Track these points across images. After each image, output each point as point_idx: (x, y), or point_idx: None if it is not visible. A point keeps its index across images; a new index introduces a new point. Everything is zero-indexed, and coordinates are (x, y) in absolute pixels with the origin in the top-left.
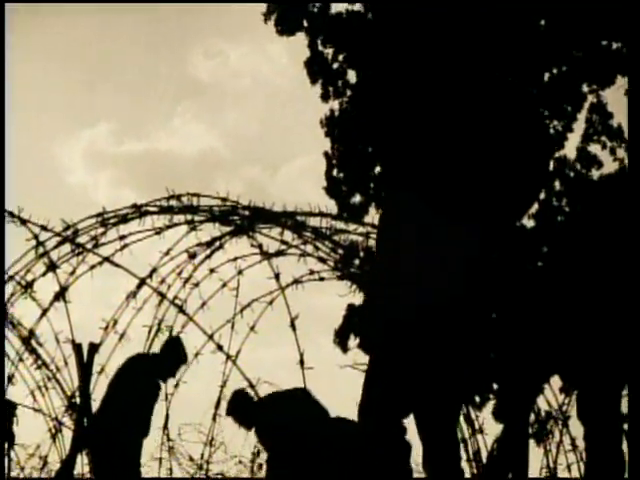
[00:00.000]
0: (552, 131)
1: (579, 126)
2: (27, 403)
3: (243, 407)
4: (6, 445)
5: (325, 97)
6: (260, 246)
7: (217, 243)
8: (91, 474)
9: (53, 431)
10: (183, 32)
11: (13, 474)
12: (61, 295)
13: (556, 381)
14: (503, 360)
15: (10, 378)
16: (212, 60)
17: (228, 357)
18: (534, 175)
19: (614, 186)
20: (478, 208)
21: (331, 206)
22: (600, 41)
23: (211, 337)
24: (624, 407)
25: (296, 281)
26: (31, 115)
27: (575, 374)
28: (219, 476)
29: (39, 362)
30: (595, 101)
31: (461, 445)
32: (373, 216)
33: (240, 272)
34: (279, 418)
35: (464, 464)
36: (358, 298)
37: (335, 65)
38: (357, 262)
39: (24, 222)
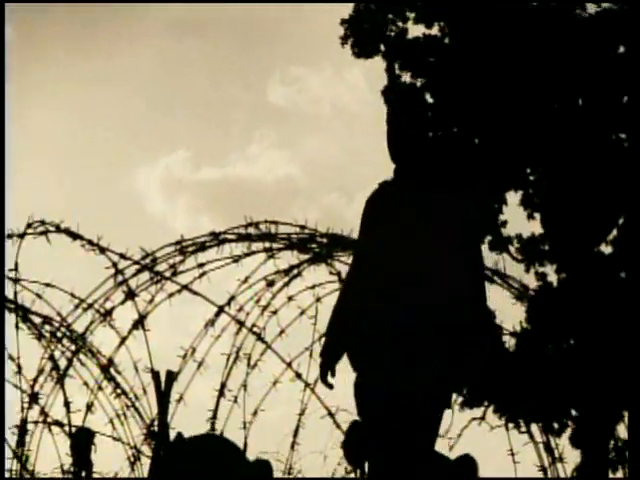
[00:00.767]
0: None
1: None
2: (106, 431)
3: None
4: (84, 473)
5: None
6: (338, 273)
7: (295, 271)
8: None
9: (132, 459)
10: (261, 58)
11: None
12: (140, 323)
13: None
14: (582, 386)
15: (89, 406)
16: (290, 86)
17: (307, 385)
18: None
19: None
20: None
21: None
22: None
23: (289, 365)
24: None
25: None
26: (109, 143)
27: None
28: None
29: (118, 391)
30: None
31: (540, 473)
32: None
33: (318, 300)
34: None
35: None
36: None
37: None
38: None
39: (103, 250)
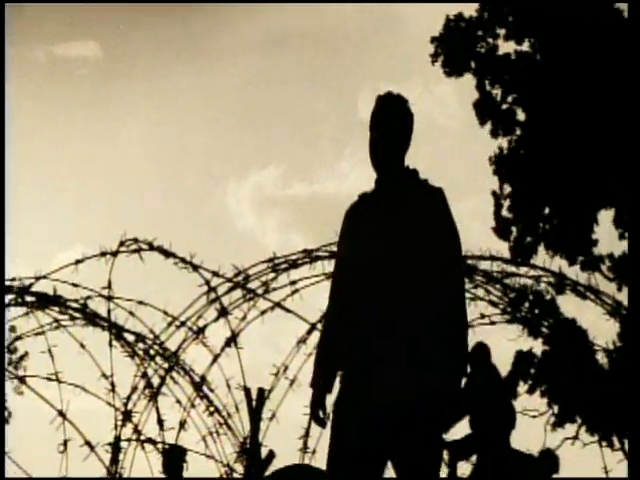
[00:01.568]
0: None
1: None
2: (198, 449)
3: None
4: None
5: (494, 134)
6: None
7: None
8: None
9: (224, 477)
10: (351, 74)
11: None
12: (232, 341)
13: None
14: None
15: (182, 424)
16: None
17: None
18: None
19: None
20: None
21: (498, 246)
22: None
23: None
24: None
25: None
26: (200, 159)
27: None
28: None
29: (211, 408)
30: None
31: None
32: (544, 258)
33: None
34: None
35: None
36: (527, 343)
37: (504, 106)
38: (527, 305)
39: (196, 268)
